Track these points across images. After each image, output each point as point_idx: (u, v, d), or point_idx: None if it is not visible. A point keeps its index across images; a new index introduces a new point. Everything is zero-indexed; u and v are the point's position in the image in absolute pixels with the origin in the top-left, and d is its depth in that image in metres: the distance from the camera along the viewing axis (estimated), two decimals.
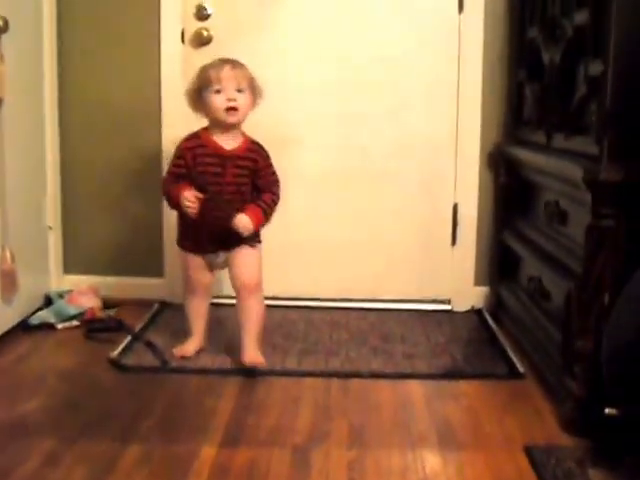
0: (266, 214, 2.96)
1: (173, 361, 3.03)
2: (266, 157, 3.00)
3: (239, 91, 2.90)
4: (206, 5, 3.67)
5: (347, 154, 3.75)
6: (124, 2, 3.71)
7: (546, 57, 3.07)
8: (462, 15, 3.65)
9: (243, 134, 3.00)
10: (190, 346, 3.09)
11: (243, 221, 2.89)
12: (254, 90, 2.95)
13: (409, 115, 3.75)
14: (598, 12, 2.49)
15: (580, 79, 2.68)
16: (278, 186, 3.01)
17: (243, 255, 2.99)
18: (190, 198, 2.85)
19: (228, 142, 2.95)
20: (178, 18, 3.68)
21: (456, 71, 3.69)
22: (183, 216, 2.98)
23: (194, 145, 2.95)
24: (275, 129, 3.48)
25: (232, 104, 2.88)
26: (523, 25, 3.46)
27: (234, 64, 2.92)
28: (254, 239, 3.00)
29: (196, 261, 3.04)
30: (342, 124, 3.73)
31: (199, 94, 2.93)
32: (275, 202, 2.99)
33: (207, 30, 3.67)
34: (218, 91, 2.88)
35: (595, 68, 2.51)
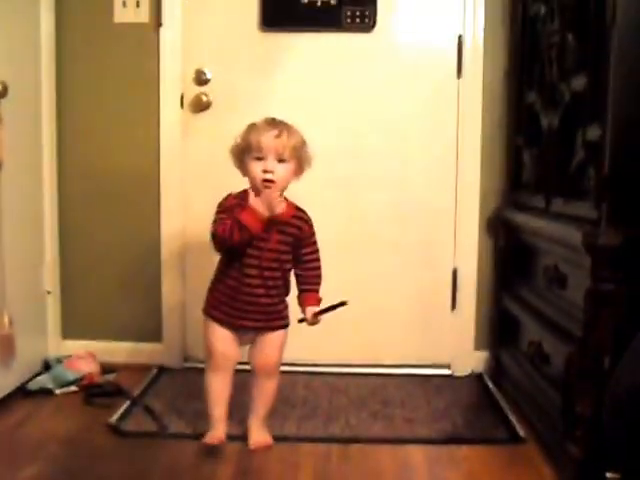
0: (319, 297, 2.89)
1: (171, 426, 3.01)
2: (311, 225, 2.88)
3: (281, 161, 2.71)
4: (205, 70, 3.70)
5: (346, 220, 3.76)
6: (123, 66, 3.74)
7: (544, 122, 3.10)
8: (460, 80, 3.69)
9: (286, 199, 2.81)
10: (218, 431, 2.84)
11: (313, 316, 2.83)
12: (300, 160, 2.78)
13: (408, 181, 3.77)
14: (596, 77, 2.52)
15: (578, 144, 2.70)
16: (319, 258, 2.92)
17: (272, 338, 2.85)
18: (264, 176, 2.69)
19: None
20: (177, 83, 3.71)
21: (455, 136, 3.71)
22: (219, 283, 2.82)
23: (241, 203, 2.73)
24: None
25: (268, 176, 2.69)
26: (521, 90, 3.49)
27: (281, 130, 2.72)
28: (289, 320, 2.90)
29: (224, 333, 2.82)
30: (341, 190, 3.74)
31: (242, 156, 2.75)
32: (320, 277, 2.91)
33: (206, 95, 3.70)
34: (259, 158, 2.70)
35: (593, 133, 2.54)
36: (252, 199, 2.66)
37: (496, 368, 3.68)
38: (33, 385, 3.39)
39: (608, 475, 2.24)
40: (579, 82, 2.70)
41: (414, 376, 3.73)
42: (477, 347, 3.82)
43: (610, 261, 2.36)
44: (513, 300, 3.46)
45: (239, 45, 3.72)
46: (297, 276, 2.89)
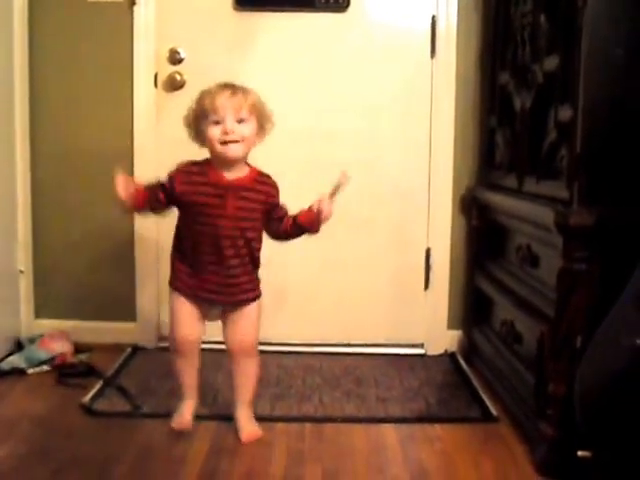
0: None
1: (145, 406, 3.01)
2: (278, 190, 2.75)
3: (240, 121, 2.57)
4: (179, 49, 3.68)
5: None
6: (97, 46, 3.71)
7: (517, 102, 3.11)
8: (434, 60, 3.69)
9: (249, 165, 2.69)
10: (187, 414, 2.81)
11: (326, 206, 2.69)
12: (260, 118, 2.63)
13: (381, 161, 3.77)
14: (568, 58, 2.53)
15: (551, 124, 2.71)
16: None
17: (243, 314, 2.74)
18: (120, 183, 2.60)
19: (231, 173, 2.63)
20: (151, 62, 3.69)
21: (428, 116, 3.72)
22: (177, 252, 2.72)
23: (192, 170, 2.65)
24: None
25: (230, 137, 2.55)
26: (494, 71, 3.49)
27: (234, 90, 2.59)
28: (258, 293, 2.77)
29: (187, 308, 2.72)
30: (313, 171, 3.71)
31: (197, 124, 2.62)
32: None
33: (180, 74, 3.68)
34: (216, 122, 2.56)
35: (565, 113, 2.54)
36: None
37: (469, 347, 3.70)
38: (5, 365, 3.37)
39: (580, 453, 2.25)
40: (551, 63, 2.71)
41: (387, 355, 3.74)
42: (450, 326, 3.84)
43: (582, 241, 2.37)
44: (486, 279, 3.47)
45: (213, 24, 3.71)
46: (282, 232, 2.77)
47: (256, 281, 2.78)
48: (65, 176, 3.77)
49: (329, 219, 2.72)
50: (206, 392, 3.03)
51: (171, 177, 2.65)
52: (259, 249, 2.74)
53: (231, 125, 2.56)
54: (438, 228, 3.77)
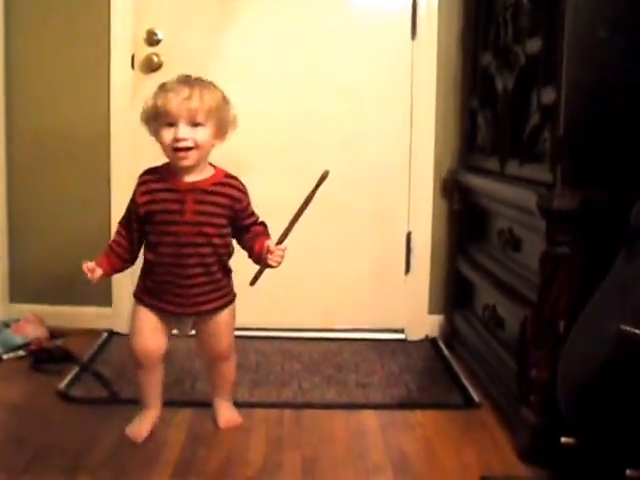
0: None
1: (122, 392, 2.97)
2: (246, 193, 2.54)
3: (196, 125, 2.37)
4: (157, 30, 3.63)
5: (297, 185, 3.70)
6: (73, 26, 3.66)
7: (499, 84, 3.08)
8: (415, 41, 3.65)
9: (212, 165, 2.53)
10: (145, 425, 2.63)
11: (276, 251, 2.46)
12: (219, 122, 2.43)
13: (361, 144, 3.74)
14: (551, 40, 2.50)
15: (533, 106, 2.69)
16: (264, 224, 2.62)
17: (215, 323, 2.59)
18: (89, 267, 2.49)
19: (191, 176, 2.46)
20: (128, 43, 3.64)
21: (409, 98, 3.69)
22: (144, 262, 2.54)
23: (150, 179, 2.48)
24: (221, 159, 3.42)
25: (181, 144, 2.37)
26: (476, 52, 3.47)
27: (192, 91, 2.36)
28: (228, 300, 2.59)
29: (148, 321, 2.55)
30: (292, 155, 3.69)
31: (152, 121, 2.43)
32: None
33: (157, 56, 3.63)
34: (170, 124, 2.37)
35: (548, 96, 2.52)
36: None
37: (450, 332, 3.68)
38: None
39: (563, 440, 2.23)
40: (534, 45, 2.68)
41: (368, 341, 3.72)
42: (431, 311, 3.82)
43: (565, 224, 2.35)
44: (468, 263, 3.45)
45: (192, 5, 3.67)
46: (246, 248, 2.57)
47: (226, 288, 2.59)
48: (40, 158, 3.73)
49: (278, 266, 2.50)
50: (184, 379, 3.01)
51: (133, 192, 2.50)
52: (229, 255, 2.56)
53: (184, 132, 2.36)
54: (419, 212, 3.75)
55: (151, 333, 2.54)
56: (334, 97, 3.71)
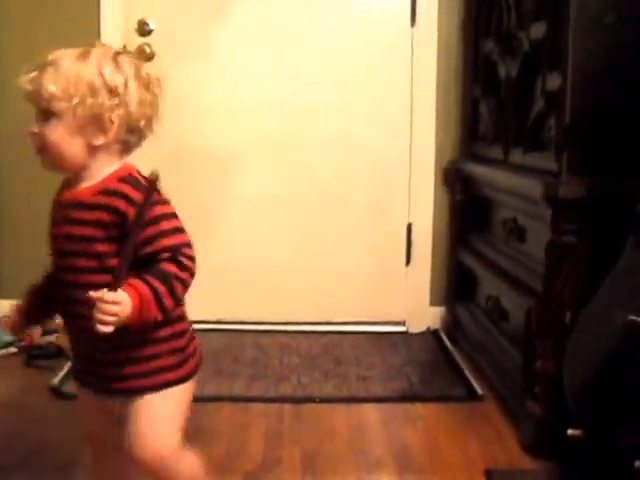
0: (161, 301, 1.56)
1: None
2: (143, 200, 1.59)
3: (47, 116, 1.70)
4: (148, 21, 3.58)
5: (295, 177, 3.68)
6: (62, 16, 3.61)
7: (502, 71, 3.05)
8: (414, 29, 3.61)
9: (115, 170, 1.70)
10: None
11: (105, 317, 1.51)
12: (87, 115, 1.65)
13: (361, 134, 3.69)
14: (556, 25, 2.46)
15: (537, 93, 2.65)
16: (185, 245, 1.61)
17: (139, 409, 1.71)
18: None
19: (78, 185, 1.72)
20: (119, 34, 3.59)
21: (409, 86, 3.65)
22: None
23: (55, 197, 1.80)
24: (218, 151, 3.39)
25: (35, 141, 1.74)
26: (478, 38, 3.43)
27: (43, 69, 1.72)
28: (162, 380, 1.71)
29: (82, 398, 1.84)
30: (291, 145, 3.66)
31: None
32: (185, 275, 1.59)
33: (149, 46, 3.57)
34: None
35: (553, 82, 2.48)
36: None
37: (452, 324, 3.64)
38: None
39: (569, 432, 2.19)
40: (538, 29, 2.64)
41: (368, 333, 3.69)
42: (433, 303, 3.79)
43: (571, 213, 2.31)
44: (470, 254, 3.42)
45: None
46: None
47: (161, 359, 1.70)
48: (29, 156, 3.67)
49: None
50: None
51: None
52: None
53: (32, 126, 1.74)
54: (420, 202, 3.71)
55: (86, 414, 1.89)
56: (332, 86, 3.67)
